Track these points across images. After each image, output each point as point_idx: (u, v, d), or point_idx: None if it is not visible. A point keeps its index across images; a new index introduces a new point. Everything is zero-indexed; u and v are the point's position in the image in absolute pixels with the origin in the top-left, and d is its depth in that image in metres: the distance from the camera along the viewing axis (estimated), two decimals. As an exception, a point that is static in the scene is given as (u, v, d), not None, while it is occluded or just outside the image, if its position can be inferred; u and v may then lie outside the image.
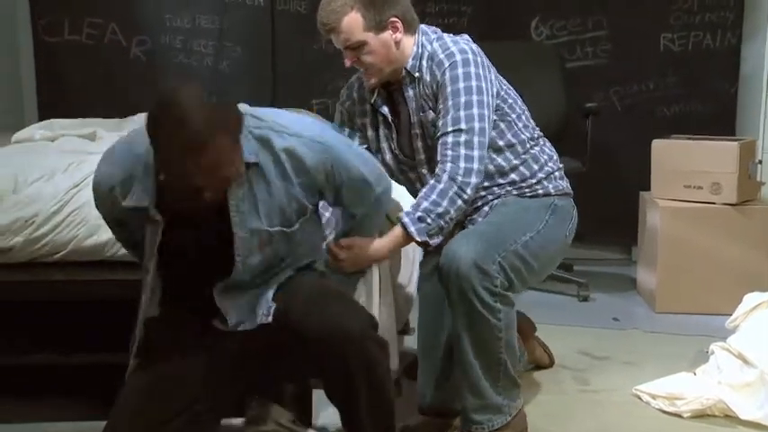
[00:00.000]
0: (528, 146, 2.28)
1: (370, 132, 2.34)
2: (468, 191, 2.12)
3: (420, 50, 2.20)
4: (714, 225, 3.46)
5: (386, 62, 2.19)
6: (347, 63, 2.21)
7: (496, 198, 2.26)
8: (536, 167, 2.29)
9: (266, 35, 4.32)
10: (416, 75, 2.21)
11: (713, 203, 3.47)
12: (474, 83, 2.13)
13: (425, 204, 2.10)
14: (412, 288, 2.49)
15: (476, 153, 2.11)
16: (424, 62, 2.20)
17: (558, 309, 3.56)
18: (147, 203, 1.80)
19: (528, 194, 2.28)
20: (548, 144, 2.38)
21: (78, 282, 2.32)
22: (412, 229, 2.10)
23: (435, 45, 2.20)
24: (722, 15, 4.16)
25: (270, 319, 1.86)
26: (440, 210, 2.09)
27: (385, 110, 2.29)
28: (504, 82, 2.29)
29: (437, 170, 2.15)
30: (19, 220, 2.31)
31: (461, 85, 2.13)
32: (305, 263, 1.99)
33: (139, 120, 3.50)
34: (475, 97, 2.12)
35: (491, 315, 2.11)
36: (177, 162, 1.63)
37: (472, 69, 2.14)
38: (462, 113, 2.12)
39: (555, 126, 3.92)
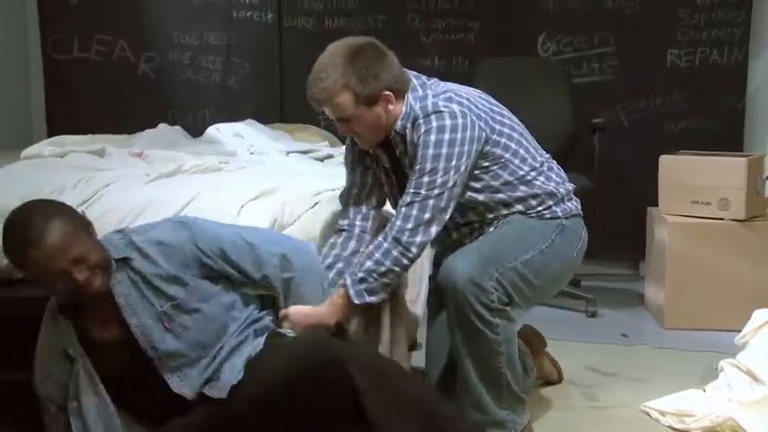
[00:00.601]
0: (529, 178, 2.25)
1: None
2: (414, 249, 2.11)
3: (408, 110, 2.18)
4: (722, 241, 3.45)
5: (377, 131, 2.20)
6: (340, 132, 2.23)
7: (501, 220, 2.26)
8: (543, 196, 2.26)
9: (274, 51, 4.35)
10: (403, 133, 2.19)
11: (721, 219, 3.46)
12: (444, 150, 2.11)
13: (368, 264, 2.11)
14: (420, 305, 2.49)
15: (427, 216, 2.11)
16: (409, 124, 2.19)
17: (566, 324, 3.55)
18: (64, 345, 2.00)
19: (534, 217, 2.27)
20: (554, 169, 2.33)
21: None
22: (351, 291, 2.10)
23: (417, 107, 2.17)
24: (729, 31, 4.16)
25: (225, 394, 1.95)
26: (382, 269, 2.10)
27: (387, 164, 2.30)
28: (498, 117, 2.23)
29: (386, 227, 2.16)
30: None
31: (431, 151, 2.11)
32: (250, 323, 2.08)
33: (148, 135, 3.53)
34: (441, 164, 2.11)
35: (489, 330, 2.12)
36: (25, 260, 1.87)
37: (446, 136, 2.12)
38: (425, 179, 2.11)
39: (562, 142, 3.92)
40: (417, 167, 2.12)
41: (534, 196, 2.26)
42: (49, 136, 3.81)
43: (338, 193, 2.43)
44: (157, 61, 4.35)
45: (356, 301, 2.10)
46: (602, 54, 4.26)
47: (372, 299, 2.11)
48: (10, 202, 2.34)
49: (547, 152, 2.38)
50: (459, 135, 2.12)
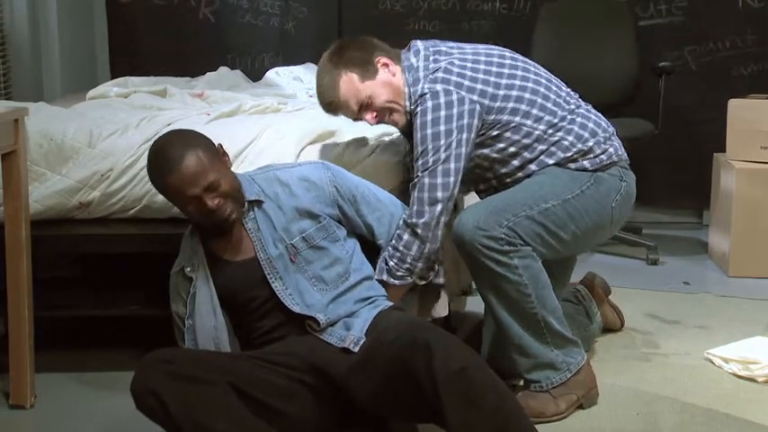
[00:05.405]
0: (546, 136, 2.22)
1: None
2: (419, 230, 2.14)
3: (408, 90, 2.21)
4: (792, 188, 3.36)
5: (396, 96, 2.22)
6: (372, 123, 2.27)
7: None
8: (563, 152, 2.22)
9: (332, -5, 4.31)
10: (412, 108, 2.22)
11: (792, 165, 3.37)
12: (430, 130, 2.14)
13: (389, 250, 2.17)
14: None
15: (425, 194, 2.14)
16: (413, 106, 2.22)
17: (627, 272, 3.50)
18: (183, 264, 2.09)
19: (561, 168, 2.23)
20: (579, 120, 2.25)
21: (157, 235, 2.39)
22: (383, 276, 2.17)
23: (412, 90, 2.20)
24: (807, -31, 3.99)
25: (356, 348, 1.95)
26: (398, 254, 2.15)
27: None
28: (505, 81, 2.21)
29: None
30: (96, 173, 2.36)
31: (419, 134, 2.16)
32: (367, 276, 2.14)
33: (208, 78, 3.55)
34: (430, 144, 2.14)
35: (509, 272, 2.11)
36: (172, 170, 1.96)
37: (429, 116, 2.14)
38: (420, 161, 2.15)
39: (626, 86, 3.85)
40: (419, 150, 2.16)
41: (551, 154, 2.22)
42: (113, 79, 3.86)
43: (397, 138, 2.45)
44: (217, 5, 4.35)
45: (376, 276, 2.17)
46: (670, -6, 4.12)
47: (393, 280, 2.16)
48: (75, 135, 2.41)
49: (600, 97, 2.34)
50: (442, 113, 2.14)
